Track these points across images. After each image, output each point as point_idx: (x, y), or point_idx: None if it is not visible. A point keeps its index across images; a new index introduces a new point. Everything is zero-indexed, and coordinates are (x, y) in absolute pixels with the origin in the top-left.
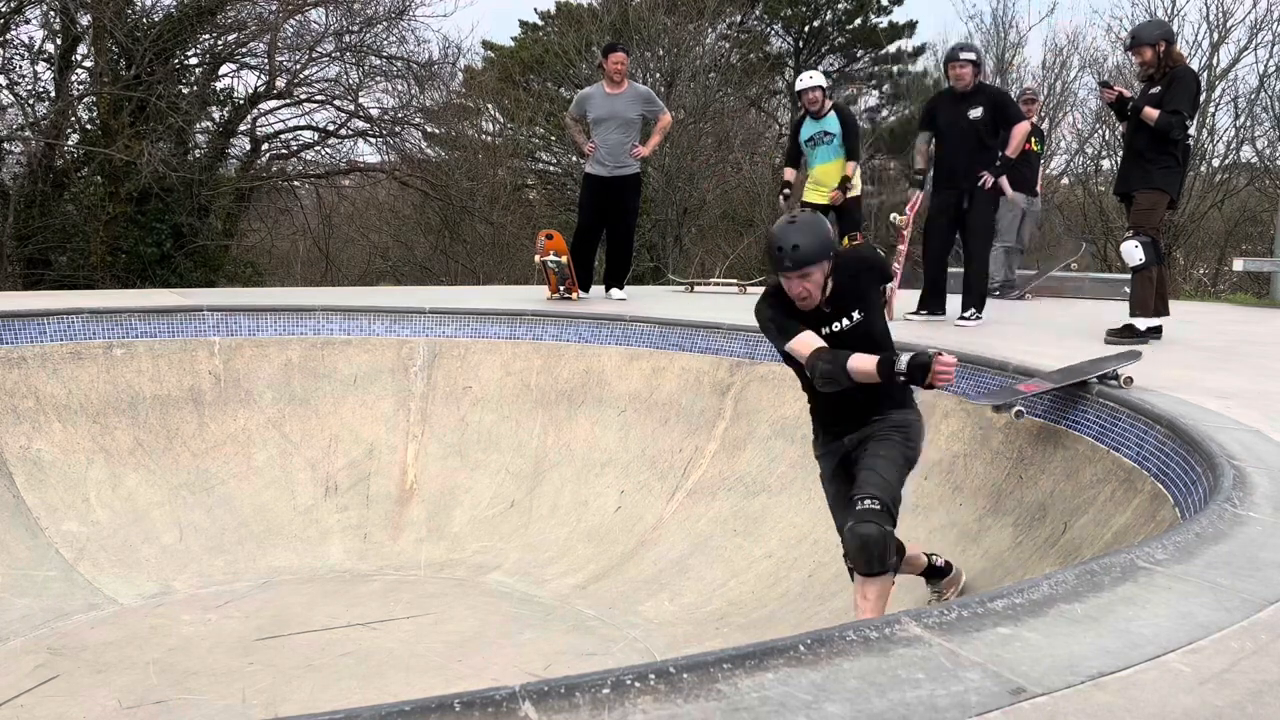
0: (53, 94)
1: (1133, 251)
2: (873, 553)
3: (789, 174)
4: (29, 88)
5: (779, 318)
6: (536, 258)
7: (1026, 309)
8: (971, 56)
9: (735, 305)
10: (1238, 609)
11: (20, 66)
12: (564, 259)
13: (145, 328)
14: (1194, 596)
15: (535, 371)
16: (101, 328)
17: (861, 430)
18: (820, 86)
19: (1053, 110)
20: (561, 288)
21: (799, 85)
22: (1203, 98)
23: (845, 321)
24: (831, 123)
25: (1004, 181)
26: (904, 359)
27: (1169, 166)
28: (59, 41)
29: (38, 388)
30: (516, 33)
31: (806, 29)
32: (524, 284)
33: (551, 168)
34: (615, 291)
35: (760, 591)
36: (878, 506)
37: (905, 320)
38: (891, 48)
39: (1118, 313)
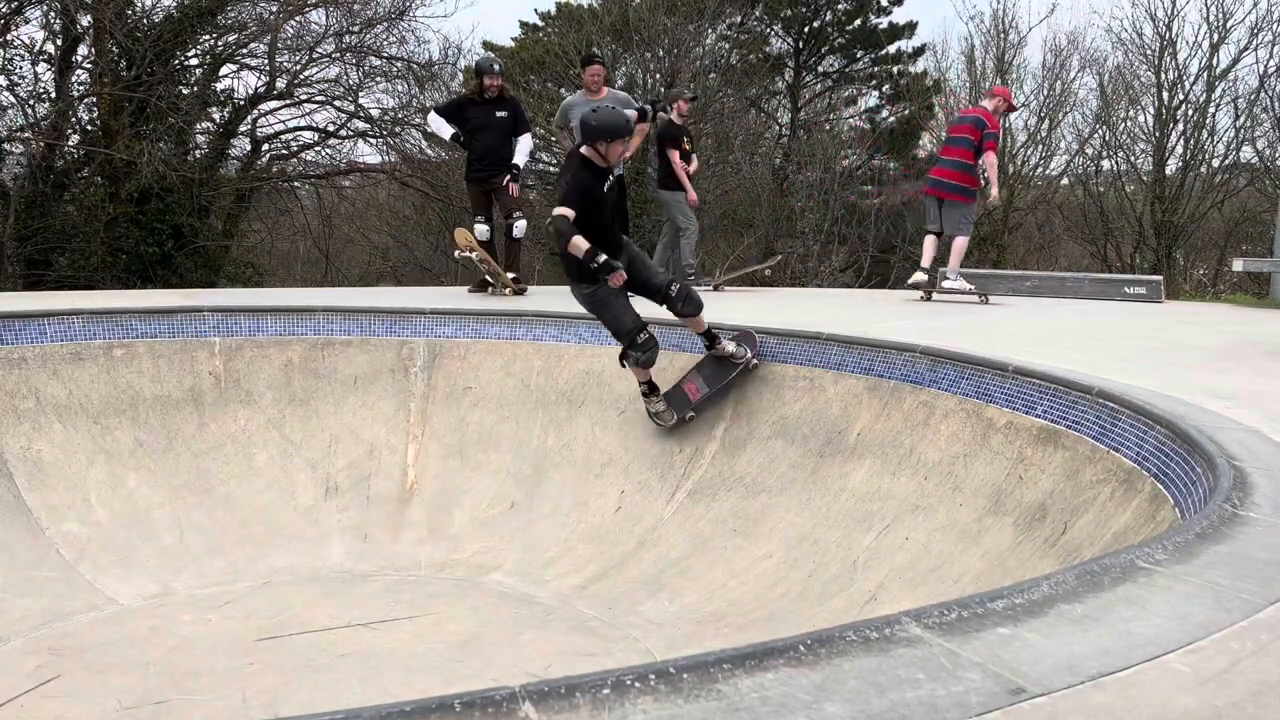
0: (53, 95)
1: None
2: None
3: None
4: (29, 88)
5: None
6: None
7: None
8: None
9: (737, 304)
10: (1237, 609)
11: (20, 67)
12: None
13: (145, 328)
14: (1194, 597)
15: (535, 372)
16: (102, 328)
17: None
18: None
19: (1053, 110)
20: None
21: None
22: (1203, 98)
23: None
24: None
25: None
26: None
27: None
28: (59, 42)
29: (38, 388)
30: (517, 33)
31: (806, 29)
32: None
33: (551, 168)
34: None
35: (760, 592)
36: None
37: None
38: (891, 48)
39: None
